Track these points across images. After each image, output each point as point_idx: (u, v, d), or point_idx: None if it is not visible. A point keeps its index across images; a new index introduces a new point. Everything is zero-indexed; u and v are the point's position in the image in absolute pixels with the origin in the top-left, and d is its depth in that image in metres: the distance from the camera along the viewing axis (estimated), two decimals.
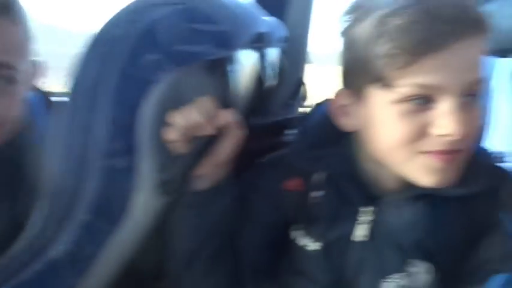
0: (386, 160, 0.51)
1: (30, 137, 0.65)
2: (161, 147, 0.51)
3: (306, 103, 0.95)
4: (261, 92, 0.74)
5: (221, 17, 0.53)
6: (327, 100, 0.56)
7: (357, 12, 0.50)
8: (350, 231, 0.54)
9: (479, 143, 0.55)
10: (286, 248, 0.58)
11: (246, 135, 0.56)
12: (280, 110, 0.84)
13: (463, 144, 0.48)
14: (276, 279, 0.58)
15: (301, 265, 0.57)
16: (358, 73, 0.50)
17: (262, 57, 0.75)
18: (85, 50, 0.51)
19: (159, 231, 0.56)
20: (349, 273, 0.54)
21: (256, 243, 0.59)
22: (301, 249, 0.56)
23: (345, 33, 0.52)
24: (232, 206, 0.57)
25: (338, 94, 0.54)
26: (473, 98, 0.48)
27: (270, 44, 0.80)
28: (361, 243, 0.54)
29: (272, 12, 1.20)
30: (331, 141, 0.56)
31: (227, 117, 0.53)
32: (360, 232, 0.54)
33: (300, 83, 0.97)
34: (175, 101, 0.51)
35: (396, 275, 0.52)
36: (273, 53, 0.78)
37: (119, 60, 0.49)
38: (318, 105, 0.61)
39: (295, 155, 0.59)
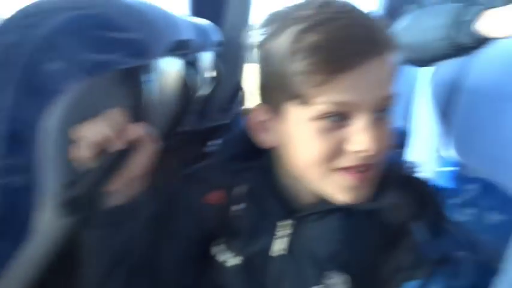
0: (303, 176, 0.51)
1: None
2: (66, 162, 0.48)
3: (244, 107, 0.95)
4: (190, 99, 0.72)
5: (133, 24, 0.50)
6: (245, 114, 0.56)
7: (272, 26, 0.49)
8: (269, 246, 0.54)
9: (390, 155, 0.56)
10: (207, 264, 0.56)
11: (165, 146, 0.54)
12: (218, 115, 0.83)
13: (376, 159, 0.48)
14: None
15: (222, 281, 0.55)
16: (276, 89, 0.49)
17: (190, 64, 0.73)
18: None
19: (69, 251, 0.53)
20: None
21: (177, 260, 0.57)
22: (221, 265, 0.55)
23: (261, 47, 0.51)
24: (149, 222, 0.54)
25: (256, 109, 0.53)
26: (384, 113, 0.49)
27: (197, 50, 0.78)
28: (280, 257, 0.53)
29: (207, 16, 1.18)
30: (252, 154, 0.56)
31: (138, 130, 0.50)
32: (279, 246, 0.53)
33: (237, 87, 0.96)
34: (82, 113, 0.47)
35: None
36: (205, 58, 0.77)
37: (13, 69, 0.45)
38: (241, 116, 0.60)
39: (215, 168, 0.58)
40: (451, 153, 0.74)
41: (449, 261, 0.53)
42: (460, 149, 0.72)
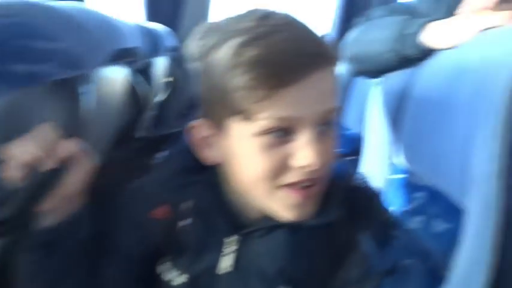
0: (248, 193, 0.50)
1: None
2: None
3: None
4: (142, 107, 0.70)
5: (63, 33, 0.47)
6: (187, 130, 0.53)
7: (212, 38, 0.48)
8: (216, 263, 0.52)
9: (338, 165, 0.56)
10: (153, 284, 0.54)
11: (112, 158, 0.51)
12: (176, 121, 0.81)
13: (321, 173, 0.48)
14: None
15: None
16: (217, 104, 0.48)
17: (141, 71, 0.70)
18: None
19: (2, 275, 0.49)
20: None
21: (119, 280, 0.54)
22: (167, 284, 0.53)
23: (201, 59, 0.49)
24: (88, 241, 0.51)
25: (198, 125, 0.51)
26: (328, 126, 0.48)
27: (147, 57, 0.76)
28: (227, 274, 0.52)
29: (163, 21, 1.15)
30: (199, 168, 0.54)
31: (71, 147, 0.47)
32: (226, 263, 0.52)
33: (195, 92, 0.94)
34: (8, 130, 0.44)
35: None
36: (159, 64, 0.74)
37: None
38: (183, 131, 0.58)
39: (161, 182, 0.55)
40: (401, 160, 0.75)
41: (398, 270, 0.53)
42: (408, 156, 0.73)
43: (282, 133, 0.46)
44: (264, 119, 0.45)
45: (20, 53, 0.45)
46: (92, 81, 0.53)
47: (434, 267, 0.60)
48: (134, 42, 0.65)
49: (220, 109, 0.47)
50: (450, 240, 0.59)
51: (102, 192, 0.53)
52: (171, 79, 0.73)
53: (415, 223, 0.69)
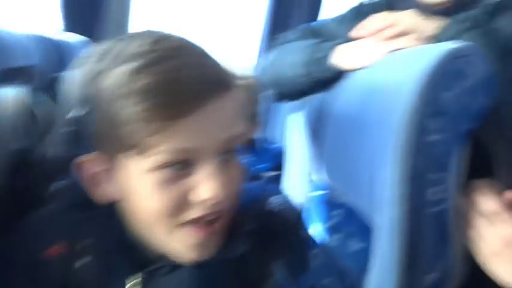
0: (149, 231, 0.46)
1: None
2: None
3: None
4: (43, 129, 0.64)
5: None
6: (77, 165, 0.47)
7: (100, 63, 0.43)
8: None
9: (250, 192, 0.54)
10: None
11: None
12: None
13: (226, 205, 0.45)
14: None
15: None
16: (108, 137, 0.43)
17: (44, 89, 0.65)
18: None
19: None
20: None
21: None
22: None
23: (89, 87, 0.44)
24: None
25: (89, 160, 0.46)
26: (232, 154, 0.46)
27: (49, 73, 0.70)
28: None
29: (82, 32, 1.08)
30: (96, 203, 0.49)
31: None
32: None
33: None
34: None
35: None
36: (68, 78, 0.69)
37: None
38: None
39: (56, 217, 0.50)
40: (322, 177, 0.76)
41: None
42: (328, 173, 0.74)
43: (181, 166, 0.43)
44: (160, 153, 0.41)
45: None
46: None
47: (351, 286, 0.60)
48: (29, 58, 0.59)
49: (111, 143, 0.43)
50: (365, 259, 0.60)
51: None
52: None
53: (333, 241, 0.70)
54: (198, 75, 0.42)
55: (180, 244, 0.45)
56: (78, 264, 0.49)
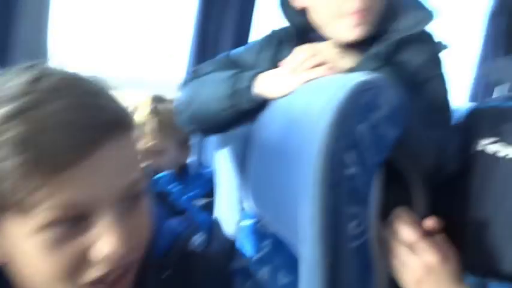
0: None
1: None
2: None
3: None
4: None
5: None
6: None
7: None
8: None
9: (170, 233, 0.51)
10: None
11: None
12: None
13: (132, 258, 0.41)
14: None
15: None
16: None
17: None
18: None
19: None
20: None
21: None
22: None
23: None
24: None
25: None
26: (134, 199, 0.41)
27: None
28: None
29: None
30: None
31: None
32: None
33: None
34: None
35: None
36: None
37: None
38: None
39: None
40: (251, 205, 0.73)
41: None
42: (255, 202, 0.71)
43: (73, 222, 0.37)
44: (45, 210, 0.36)
45: None
46: None
47: None
48: None
49: None
50: None
51: None
52: None
53: (262, 274, 0.67)
54: (85, 118, 0.37)
55: None
56: None
